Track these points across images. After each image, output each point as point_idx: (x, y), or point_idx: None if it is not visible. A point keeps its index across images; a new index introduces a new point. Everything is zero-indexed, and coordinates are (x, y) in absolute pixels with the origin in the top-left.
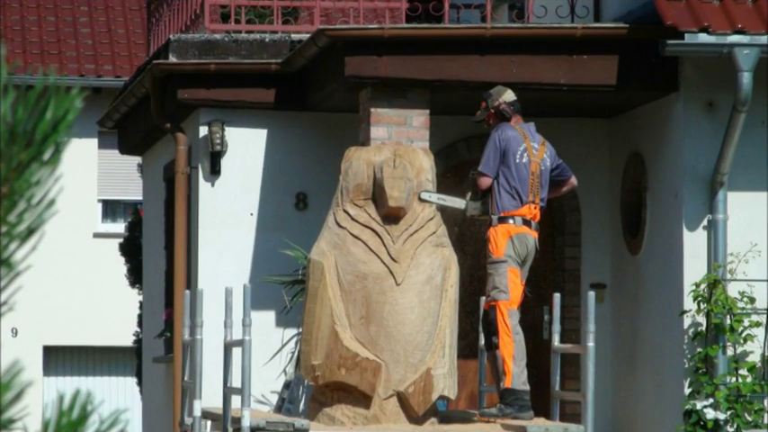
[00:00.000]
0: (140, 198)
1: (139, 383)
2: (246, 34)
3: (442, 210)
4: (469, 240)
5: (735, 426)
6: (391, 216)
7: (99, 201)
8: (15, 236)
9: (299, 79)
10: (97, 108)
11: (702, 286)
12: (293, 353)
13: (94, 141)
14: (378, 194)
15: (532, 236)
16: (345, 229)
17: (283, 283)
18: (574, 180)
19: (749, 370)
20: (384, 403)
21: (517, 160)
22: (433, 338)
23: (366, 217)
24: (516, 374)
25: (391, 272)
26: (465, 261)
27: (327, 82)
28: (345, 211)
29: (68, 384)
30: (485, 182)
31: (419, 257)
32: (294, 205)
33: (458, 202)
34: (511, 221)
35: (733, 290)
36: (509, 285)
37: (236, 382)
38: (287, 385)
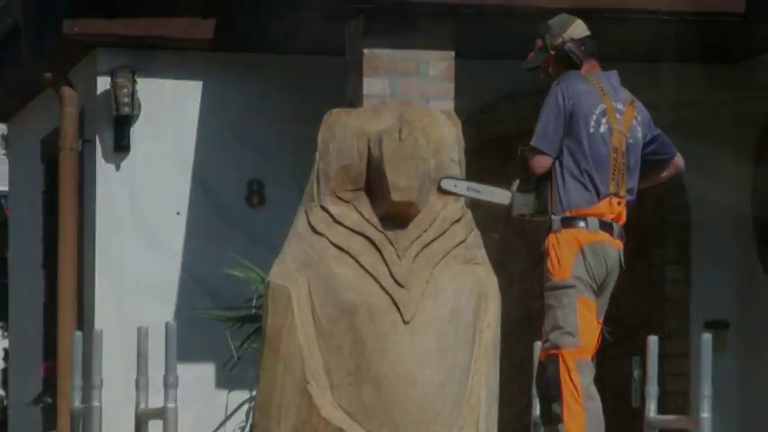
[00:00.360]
0: (4, 189)
1: None
2: None
3: (475, 205)
4: (517, 254)
5: None
6: (396, 216)
7: None
8: None
9: (252, 5)
10: None
11: None
12: (243, 428)
13: None
14: (375, 183)
15: (615, 246)
16: (324, 236)
17: (228, 321)
18: (679, 161)
19: None
20: None
21: (591, 130)
22: (461, 406)
23: (356, 218)
24: None
25: (395, 303)
26: (510, 286)
27: (296, 8)
28: (324, 209)
29: None
30: (541, 163)
31: (439, 281)
32: (245, 199)
33: (499, 195)
34: (581, 224)
35: None
36: (578, 324)
37: None
38: None
